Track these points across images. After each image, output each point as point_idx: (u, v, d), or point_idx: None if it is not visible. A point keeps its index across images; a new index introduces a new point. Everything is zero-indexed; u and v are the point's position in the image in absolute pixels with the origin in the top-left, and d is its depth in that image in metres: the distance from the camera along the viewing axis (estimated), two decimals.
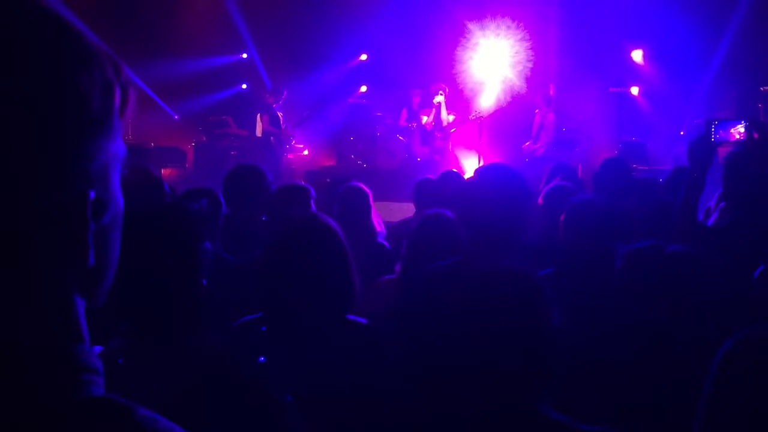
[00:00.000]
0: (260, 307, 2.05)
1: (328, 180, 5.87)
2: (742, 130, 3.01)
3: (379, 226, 4.13)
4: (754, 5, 9.85)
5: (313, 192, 3.78)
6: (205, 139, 11.59)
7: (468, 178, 2.82)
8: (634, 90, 11.77)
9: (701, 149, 3.00)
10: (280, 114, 10.40)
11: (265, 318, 2.06)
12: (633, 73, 11.74)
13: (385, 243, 3.95)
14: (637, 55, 11.67)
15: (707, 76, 10.71)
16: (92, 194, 0.62)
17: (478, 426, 1.57)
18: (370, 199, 4.09)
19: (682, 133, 10.82)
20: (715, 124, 3.09)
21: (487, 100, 11.62)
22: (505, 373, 1.56)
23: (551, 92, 10.55)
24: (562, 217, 2.90)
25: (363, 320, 2.14)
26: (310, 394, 1.81)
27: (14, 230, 0.57)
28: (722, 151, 3.40)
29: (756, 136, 2.96)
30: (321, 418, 1.81)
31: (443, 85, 10.77)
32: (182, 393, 1.32)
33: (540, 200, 3.80)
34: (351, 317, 2.10)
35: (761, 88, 8.83)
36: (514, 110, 11.17)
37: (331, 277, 1.98)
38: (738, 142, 3.03)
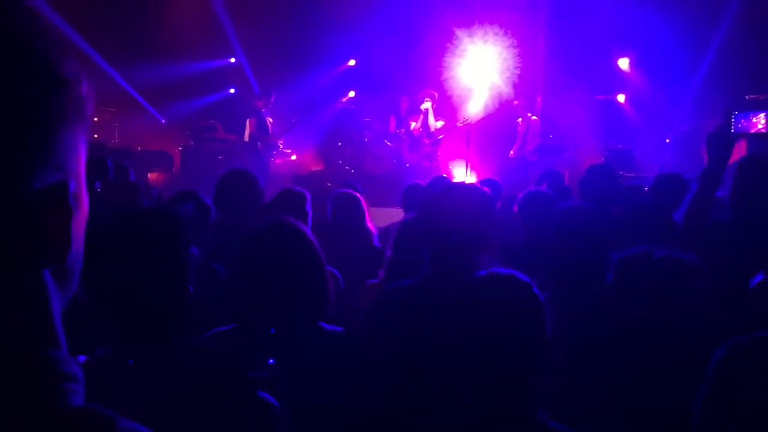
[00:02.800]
0: (235, 315, 2.03)
1: (329, 184, 5.83)
2: (764, 121, 2.87)
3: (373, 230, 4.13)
4: (739, 14, 9.94)
5: (309, 197, 3.77)
6: (192, 143, 11.54)
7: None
8: (621, 97, 11.84)
9: (720, 141, 2.83)
10: (269, 119, 10.38)
11: (238, 327, 2.04)
12: (620, 81, 11.83)
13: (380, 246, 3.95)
14: (624, 63, 11.76)
15: (693, 84, 10.79)
16: (72, 186, 0.61)
17: None
18: (363, 203, 4.09)
19: (667, 140, 10.90)
20: (735, 115, 2.95)
21: (475, 106, 11.65)
22: (499, 379, 1.56)
23: (538, 102, 10.62)
24: (549, 222, 2.90)
25: (339, 329, 2.12)
26: (284, 404, 1.79)
27: None
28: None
29: None
30: (296, 428, 1.79)
31: (431, 92, 10.79)
32: (170, 399, 1.30)
33: (516, 204, 3.81)
34: (326, 326, 2.08)
35: (746, 97, 8.91)
36: (502, 117, 11.20)
37: (303, 282, 1.96)
38: (758, 133, 2.88)
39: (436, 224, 2.42)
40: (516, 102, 10.65)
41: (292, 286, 1.93)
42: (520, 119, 10.29)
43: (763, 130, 2.79)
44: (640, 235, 2.94)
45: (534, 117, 10.31)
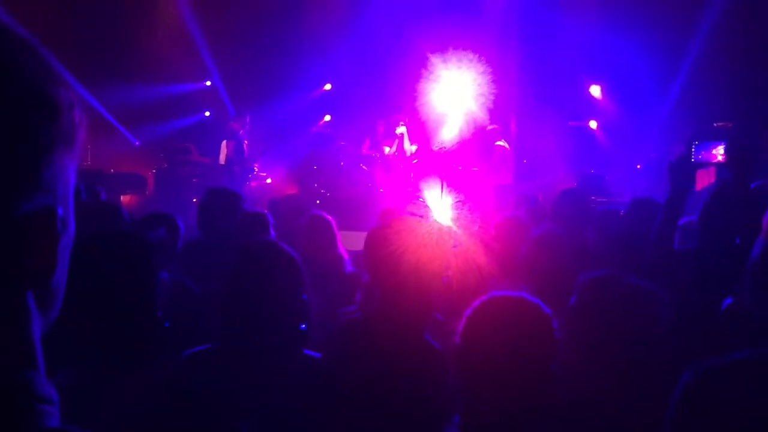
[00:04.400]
0: (218, 335, 2.00)
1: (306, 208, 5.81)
2: (722, 151, 2.97)
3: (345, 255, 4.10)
4: (708, 43, 10.19)
5: (271, 218, 3.75)
6: (166, 165, 11.45)
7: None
8: (593, 124, 12.03)
9: (682, 170, 2.92)
10: (245, 142, 10.36)
11: (218, 348, 2.01)
12: (591, 108, 12.02)
13: (356, 270, 3.92)
14: (596, 90, 11.97)
15: (663, 111, 11.01)
16: (60, 211, 0.61)
17: None
18: (334, 227, 4.06)
19: (638, 166, 11.07)
20: (695, 145, 3.04)
21: (450, 131, 11.74)
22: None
23: (512, 127, 10.72)
24: (524, 248, 2.92)
25: (317, 355, 2.10)
26: (262, 426, 1.77)
27: None
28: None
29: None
30: None
31: (403, 117, 10.88)
32: (135, 424, 1.28)
33: (492, 228, 3.82)
34: (309, 353, 2.06)
35: (714, 124, 9.10)
36: (476, 142, 11.29)
37: (287, 305, 1.95)
38: (719, 163, 2.99)
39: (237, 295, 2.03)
40: (490, 127, 10.74)
41: (276, 307, 1.91)
42: (500, 142, 10.39)
43: (722, 161, 2.87)
44: (613, 262, 2.97)
45: (505, 143, 10.40)
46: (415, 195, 9.89)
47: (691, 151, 3.06)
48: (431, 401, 1.66)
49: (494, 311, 1.65)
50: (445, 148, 10.62)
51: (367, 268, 2.37)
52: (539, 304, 1.66)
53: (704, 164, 3.09)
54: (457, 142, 10.64)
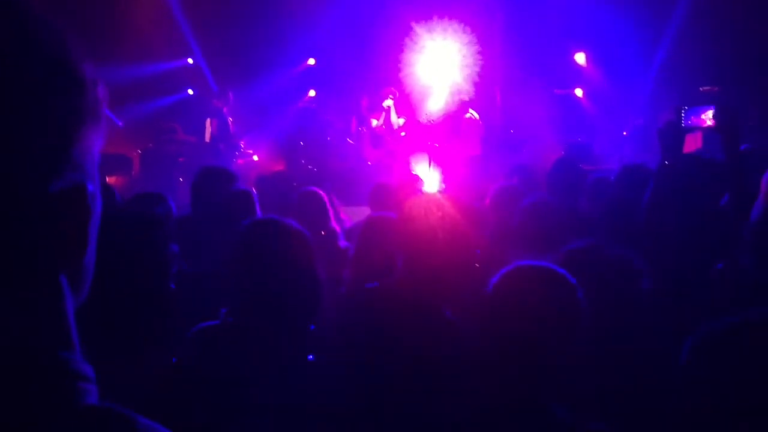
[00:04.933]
0: (226, 310, 1.99)
1: (295, 184, 5.78)
2: (711, 116, 2.97)
3: (338, 226, 4.10)
4: (691, 8, 10.18)
5: (256, 196, 3.73)
6: (151, 145, 11.35)
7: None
8: (579, 92, 12.03)
9: (671, 136, 2.93)
10: (229, 119, 10.27)
11: (227, 324, 2.00)
12: (577, 75, 12.01)
13: (349, 244, 3.93)
14: (581, 58, 11.94)
15: (648, 77, 11.02)
16: (90, 187, 0.62)
17: (479, 421, 1.55)
18: (327, 202, 4.06)
19: (624, 133, 11.10)
20: (684, 110, 3.05)
21: (436, 103, 11.70)
22: (510, 367, 1.55)
23: (497, 98, 10.66)
24: (517, 217, 2.93)
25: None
26: (271, 403, 1.77)
27: (13, 224, 0.56)
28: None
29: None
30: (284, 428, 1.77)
31: (393, 89, 10.81)
32: (146, 400, 1.28)
33: (487, 200, 3.83)
34: (313, 327, 2.06)
35: (700, 89, 9.12)
36: (462, 114, 11.26)
37: (298, 281, 1.95)
38: (708, 128, 2.99)
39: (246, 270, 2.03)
40: (462, 97, 10.65)
41: (285, 286, 1.91)
42: (470, 113, 10.34)
43: (712, 125, 2.86)
44: (606, 230, 2.99)
45: (474, 114, 10.34)
46: (405, 167, 9.89)
47: (681, 117, 3.06)
48: (445, 372, 1.67)
49: (521, 281, 1.64)
50: (432, 120, 10.58)
51: (397, 243, 2.37)
52: (565, 274, 1.67)
53: (693, 129, 3.10)
54: (443, 115, 10.59)
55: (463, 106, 10.42)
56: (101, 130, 0.64)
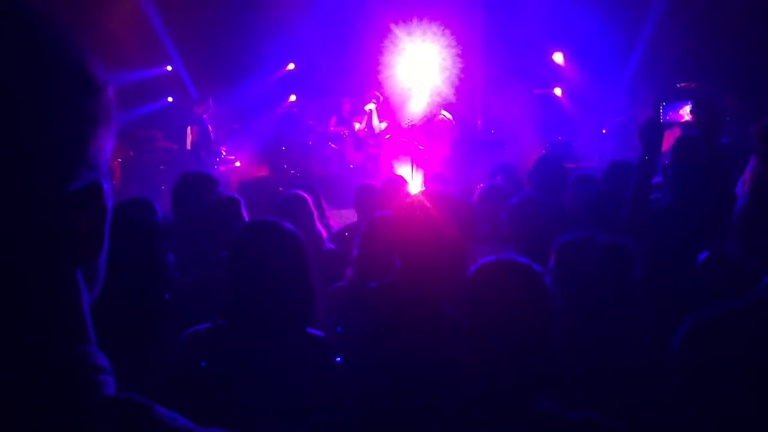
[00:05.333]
0: (223, 314, 2.00)
1: (281, 189, 5.76)
2: (689, 111, 3.02)
3: (325, 231, 4.10)
4: (666, 5, 10.30)
5: (242, 202, 3.73)
6: (132, 154, 11.27)
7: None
8: (558, 91, 12.12)
9: (651, 132, 2.98)
10: (209, 126, 10.24)
11: (219, 327, 2.00)
12: (556, 75, 12.10)
13: (334, 247, 3.93)
14: (559, 57, 12.04)
15: (626, 75, 11.14)
16: (105, 186, 0.63)
17: (465, 411, 1.57)
18: (311, 204, 4.06)
19: (604, 131, 11.20)
20: (663, 106, 3.10)
21: (417, 106, 11.72)
22: (501, 366, 1.57)
23: (478, 97, 10.68)
24: (504, 215, 2.96)
25: (320, 333, 2.11)
26: (266, 406, 1.78)
27: (32, 223, 0.57)
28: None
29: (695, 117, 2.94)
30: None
31: (376, 93, 10.82)
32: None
33: (475, 198, 3.85)
34: (313, 331, 2.07)
35: (677, 85, 9.23)
36: (435, 115, 11.27)
37: (294, 284, 1.96)
38: (686, 123, 3.05)
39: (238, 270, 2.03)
40: (434, 99, 10.66)
41: (281, 288, 1.92)
42: (442, 114, 10.36)
43: (690, 120, 2.93)
44: (590, 224, 3.02)
45: (446, 115, 10.36)
46: (389, 169, 9.89)
47: (660, 113, 3.11)
48: (449, 368, 1.68)
49: (488, 276, 1.68)
50: (413, 124, 10.60)
51: (394, 242, 2.40)
52: (529, 263, 1.71)
53: (672, 124, 3.15)
54: (423, 118, 10.59)
55: (436, 107, 10.44)
56: (113, 131, 0.66)
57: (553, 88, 12.11)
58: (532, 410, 1.53)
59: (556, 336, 1.68)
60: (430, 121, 10.22)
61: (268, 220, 2.04)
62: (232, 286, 1.95)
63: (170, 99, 12.48)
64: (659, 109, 3.13)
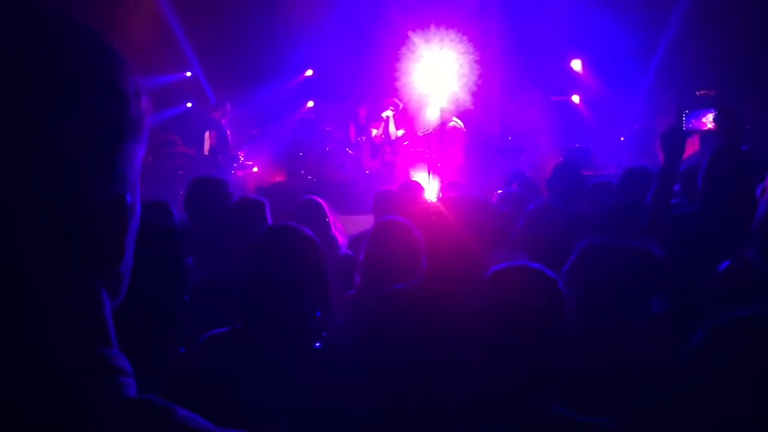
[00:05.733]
0: (239, 318, 2.01)
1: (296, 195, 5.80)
2: (712, 119, 3.00)
3: (341, 237, 4.12)
4: (687, 14, 10.23)
5: (268, 205, 3.76)
6: (151, 159, 11.36)
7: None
8: (576, 98, 12.07)
9: (673, 139, 2.95)
10: (227, 131, 10.30)
11: (237, 330, 2.01)
12: (574, 82, 12.06)
13: (350, 252, 3.94)
14: (577, 65, 12.00)
15: (645, 82, 11.07)
16: (128, 198, 0.64)
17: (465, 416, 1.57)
18: (326, 210, 4.08)
19: (622, 138, 11.14)
20: (686, 114, 3.07)
21: (433, 113, 11.71)
22: (512, 370, 1.57)
23: (495, 104, 10.62)
24: (521, 222, 2.95)
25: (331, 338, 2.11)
26: (281, 409, 1.78)
27: (56, 232, 0.58)
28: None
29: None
30: None
31: (396, 101, 10.81)
32: None
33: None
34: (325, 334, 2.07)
35: (697, 93, 9.16)
36: (446, 122, 11.23)
37: (312, 289, 1.97)
38: (708, 131, 3.03)
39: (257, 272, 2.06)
40: (444, 107, 10.59)
41: (300, 289, 1.93)
42: (453, 121, 10.30)
43: (713, 128, 2.89)
44: (608, 232, 3.00)
45: (458, 123, 10.30)
46: (405, 176, 9.88)
47: (682, 120, 3.09)
48: (465, 369, 1.68)
49: (501, 282, 1.68)
50: (428, 132, 10.58)
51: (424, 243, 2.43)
52: (542, 269, 1.70)
53: (694, 132, 3.13)
54: (435, 127, 10.53)
55: (448, 114, 10.38)
56: (142, 142, 0.66)
57: (571, 96, 12.07)
58: (543, 413, 1.53)
59: (571, 340, 1.67)
60: (441, 129, 10.18)
61: (289, 224, 2.05)
62: (250, 288, 1.96)
63: (189, 104, 12.58)
64: (682, 116, 3.11)
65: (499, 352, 1.60)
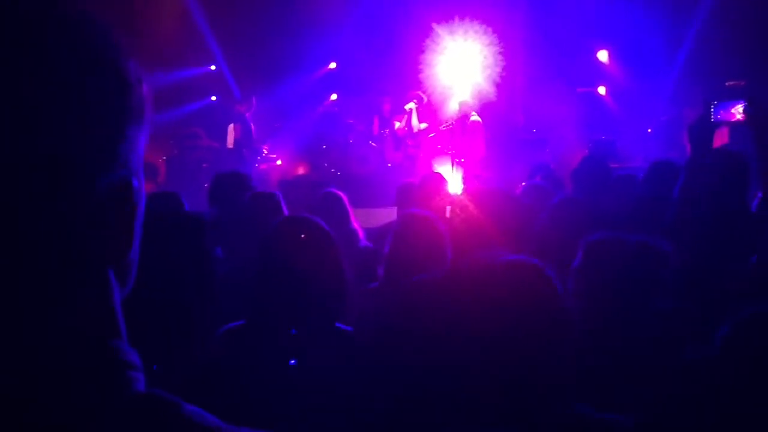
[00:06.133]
0: (252, 310, 2.02)
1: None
2: (741, 110, 2.94)
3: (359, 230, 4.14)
4: (715, 3, 10.05)
5: (282, 198, 3.78)
6: (176, 152, 11.46)
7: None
8: (602, 89, 11.93)
9: (701, 131, 2.91)
10: (252, 125, 10.35)
11: (252, 323, 2.02)
12: (599, 73, 11.91)
13: (370, 245, 3.95)
14: (603, 56, 11.85)
15: (672, 73, 10.90)
16: (135, 183, 0.63)
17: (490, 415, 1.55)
18: (346, 202, 4.09)
19: (649, 130, 10.99)
20: (714, 105, 3.02)
21: (454, 106, 11.65)
22: (527, 369, 1.54)
23: (519, 96, 10.55)
24: (544, 215, 2.92)
25: (349, 328, 2.12)
26: (296, 402, 1.78)
27: (64, 220, 0.58)
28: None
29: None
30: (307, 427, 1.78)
31: (419, 93, 10.78)
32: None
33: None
34: (343, 327, 2.08)
35: (726, 84, 8.99)
36: (466, 117, 11.18)
37: (324, 279, 1.97)
38: (737, 122, 2.96)
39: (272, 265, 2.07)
40: (463, 101, 10.50)
41: (312, 281, 1.93)
42: (473, 116, 10.22)
43: (741, 119, 2.81)
44: (635, 224, 2.96)
45: (477, 117, 10.22)
46: (428, 168, 9.87)
47: (710, 111, 3.03)
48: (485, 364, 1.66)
49: (495, 277, 1.64)
50: (450, 125, 10.53)
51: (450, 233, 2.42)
52: (537, 264, 1.64)
53: (723, 123, 3.06)
54: (455, 120, 10.46)
55: (467, 108, 10.30)
56: (146, 129, 0.66)
57: (596, 87, 11.93)
58: (563, 412, 1.51)
59: (580, 336, 1.63)
60: (461, 122, 10.12)
61: (299, 216, 2.06)
62: (263, 280, 1.97)
63: (214, 98, 12.66)
64: (710, 107, 3.05)
65: (500, 350, 1.57)
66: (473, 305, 1.63)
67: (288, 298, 1.94)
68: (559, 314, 1.58)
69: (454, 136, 10.19)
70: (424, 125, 10.69)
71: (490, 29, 11.54)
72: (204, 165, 10.96)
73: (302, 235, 2.00)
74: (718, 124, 3.01)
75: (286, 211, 3.69)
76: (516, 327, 1.55)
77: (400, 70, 11.66)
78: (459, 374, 1.65)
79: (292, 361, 1.90)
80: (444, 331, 1.83)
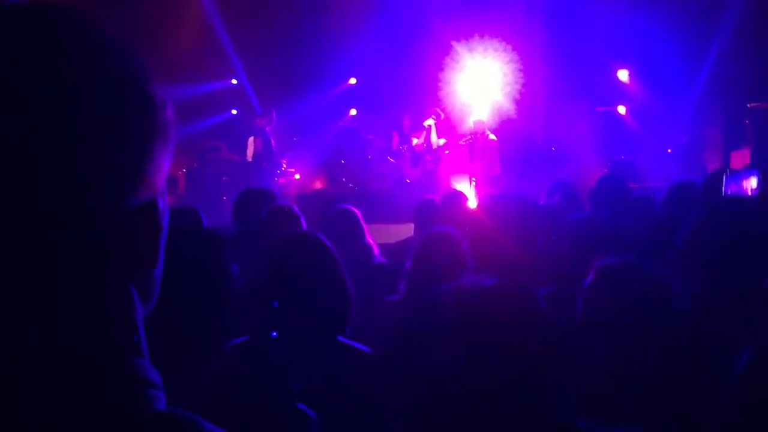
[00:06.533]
0: (257, 324, 2.04)
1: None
2: (755, 183, 2.85)
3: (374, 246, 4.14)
4: (738, 23, 10.00)
5: (298, 211, 3.80)
6: (196, 165, 11.57)
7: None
8: (621, 109, 11.89)
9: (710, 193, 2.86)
10: (272, 139, 10.42)
11: (255, 338, 2.04)
12: (619, 92, 11.88)
13: (384, 261, 3.95)
14: (624, 75, 11.82)
15: (693, 93, 10.84)
16: (160, 203, 0.65)
17: None
18: (361, 218, 4.10)
19: (669, 150, 10.92)
20: (726, 175, 2.94)
21: (469, 124, 11.66)
22: (519, 388, 1.54)
23: (539, 113, 10.54)
24: (560, 231, 2.92)
25: (360, 346, 2.12)
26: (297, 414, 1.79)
27: (92, 239, 0.59)
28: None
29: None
30: None
31: (437, 110, 10.82)
32: (208, 410, 1.30)
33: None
34: (346, 341, 2.09)
35: (748, 105, 8.92)
36: (482, 135, 11.18)
37: (325, 293, 1.99)
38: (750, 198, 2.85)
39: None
40: (477, 119, 10.48)
41: (313, 297, 1.95)
42: (469, 137, 10.20)
43: (755, 193, 2.70)
44: (653, 246, 2.94)
45: (491, 135, 10.21)
46: (446, 184, 9.86)
47: (721, 181, 2.96)
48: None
49: (464, 302, 1.63)
50: (471, 141, 10.54)
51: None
52: (519, 287, 1.63)
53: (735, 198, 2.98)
54: (471, 138, 10.45)
55: (481, 126, 10.30)
56: (170, 149, 0.67)
57: (616, 106, 11.89)
58: (566, 426, 1.50)
59: (588, 355, 1.62)
60: (476, 140, 10.12)
61: (301, 232, 2.09)
62: (265, 294, 1.99)
63: (234, 112, 12.78)
64: (721, 177, 2.99)
65: (492, 365, 1.56)
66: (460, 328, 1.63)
67: (289, 312, 1.96)
68: (540, 339, 1.57)
69: (469, 154, 10.20)
70: (442, 141, 10.71)
71: (509, 47, 11.57)
72: (224, 178, 11.05)
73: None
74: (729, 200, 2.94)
75: (304, 225, 3.71)
76: (500, 348, 1.54)
77: (420, 86, 11.71)
78: (472, 385, 1.64)
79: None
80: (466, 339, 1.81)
